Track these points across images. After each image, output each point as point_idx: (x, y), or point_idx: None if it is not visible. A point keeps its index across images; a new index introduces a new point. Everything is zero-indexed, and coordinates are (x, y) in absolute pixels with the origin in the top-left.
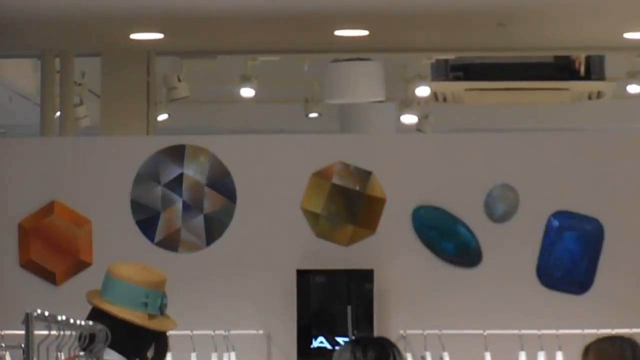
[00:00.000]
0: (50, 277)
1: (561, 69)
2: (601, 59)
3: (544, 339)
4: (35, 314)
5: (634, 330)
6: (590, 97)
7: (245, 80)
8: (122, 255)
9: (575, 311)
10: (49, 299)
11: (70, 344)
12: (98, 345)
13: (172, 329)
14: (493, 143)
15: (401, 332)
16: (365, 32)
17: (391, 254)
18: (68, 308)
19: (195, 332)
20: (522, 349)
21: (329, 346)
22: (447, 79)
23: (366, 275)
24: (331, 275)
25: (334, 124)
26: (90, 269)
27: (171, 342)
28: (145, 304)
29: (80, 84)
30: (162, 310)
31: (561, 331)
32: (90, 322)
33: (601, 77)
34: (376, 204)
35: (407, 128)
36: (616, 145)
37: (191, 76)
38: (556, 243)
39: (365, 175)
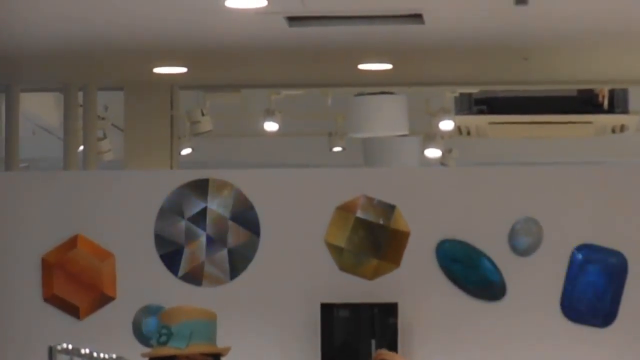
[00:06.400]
0: (73, 312)
1: (584, 102)
2: (624, 92)
3: None
4: (58, 347)
5: None
6: (613, 131)
7: (269, 114)
8: (146, 290)
9: (599, 344)
10: (72, 333)
11: None
12: None
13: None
14: (516, 177)
15: None
16: (389, 66)
17: (415, 288)
18: (91, 342)
19: None
20: None
21: None
22: (470, 112)
23: (390, 309)
24: (355, 309)
25: (358, 157)
26: (114, 303)
27: None
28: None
29: (103, 118)
30: (159, 339)
31: None
32: (114, 355)
33: (625, 111)
34: (400, 238)
35: (431, 162)
36: None
37: (215, 110)
38: (580, 276)
39: (389, 209)
